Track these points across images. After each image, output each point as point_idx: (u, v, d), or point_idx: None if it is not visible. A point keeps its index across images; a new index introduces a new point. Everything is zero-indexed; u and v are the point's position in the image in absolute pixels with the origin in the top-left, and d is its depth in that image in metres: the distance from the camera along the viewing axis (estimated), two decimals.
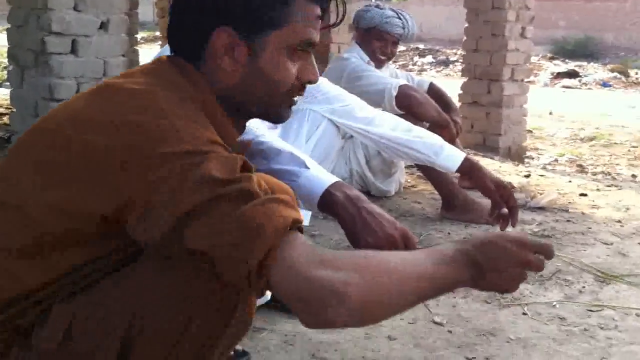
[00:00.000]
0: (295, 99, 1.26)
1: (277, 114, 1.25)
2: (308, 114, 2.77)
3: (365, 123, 2.66)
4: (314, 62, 1.24)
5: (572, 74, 15.27)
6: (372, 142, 2.71)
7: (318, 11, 1.20)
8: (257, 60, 1.17)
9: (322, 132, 2.83)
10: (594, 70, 16.15)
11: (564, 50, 19.67)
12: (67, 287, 1.09)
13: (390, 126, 2.62)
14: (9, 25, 3.76)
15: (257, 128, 1.81)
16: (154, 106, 1.04)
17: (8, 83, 4.34)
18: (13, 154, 1.14)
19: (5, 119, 5.88)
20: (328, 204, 1.43)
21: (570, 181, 4.30)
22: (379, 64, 3.72)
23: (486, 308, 2.20)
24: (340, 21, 1.27)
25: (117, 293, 1.07)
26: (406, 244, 1.32)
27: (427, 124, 3.44)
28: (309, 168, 1.56)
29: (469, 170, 2.35)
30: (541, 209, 3.45)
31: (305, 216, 2.47)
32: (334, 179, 1.49)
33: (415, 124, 2.96)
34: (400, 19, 3.62)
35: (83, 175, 1.02)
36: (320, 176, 1.51)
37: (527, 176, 4.39)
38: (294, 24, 1.17)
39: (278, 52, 1.18)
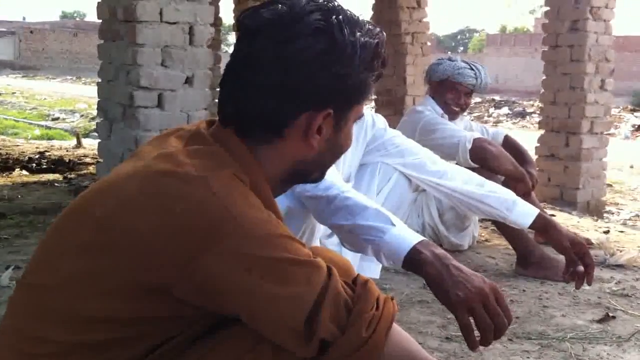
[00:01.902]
0: None
1: (321, 177, 1.30)
2: (380, 167, 2.81)
3: (438, 176, 2.67)
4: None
5: None
6: (444, 195, 2.72)
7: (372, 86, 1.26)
8: (339, 134, 1.22)
9: (394, 184, 2.86)
10: None
11: None
12: None
13: (463, 180, 2.63)
14: (99, 79, 3.98)
15: (340, 184, 1.86)
16: (217, 207, 1.04)
17: (96, 134, 4.56)
18: (57, 235, 1.14)
19: (92, 169, 6.16)
20: (414, 261, 1.44)
21: None
22: (453, 116, 3.73)
23: None
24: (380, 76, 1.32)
25: None
26: (496, 298, 1.31)
27: (503, 178, 3.42)
28: (394, 225, 1.58)
29: (542, 226, 2.32)
30: (620, 266, 3.36)
31: (376, 270, 2.50)
32: (420, 237, 1.50)
33: (490, 177, 2.95)
34: (472, 69, 3.64)
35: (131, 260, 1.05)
36: (407, 234, 1.53)
37: (606, 232, 4.28)
38: (362, 99, 1.23)
39: (351, 124, 1.24)
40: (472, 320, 1.30)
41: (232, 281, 1.04)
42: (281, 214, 1.24)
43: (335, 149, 1.24)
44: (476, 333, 1.30)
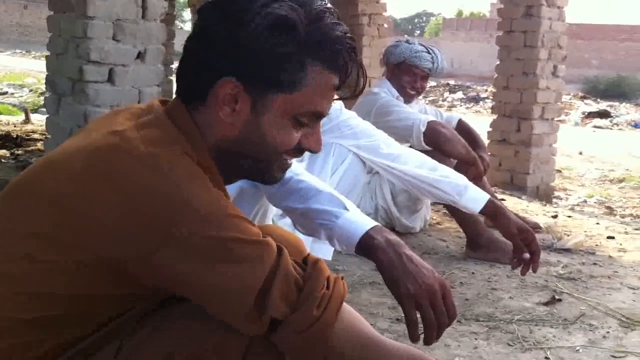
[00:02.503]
0: (290, 161, 1.24)
1: (269, 175, 1.23)
2: (334, 147, 2.80)
3: (391, 160, 2.68)
4: (320, 132, 1.22)
5: (603, 114, 15.20)
6: (397, 179, 2.73)
7: (335, 81, 1.16)
8: (258, 118, 1.15)
9: (348, 166, 2.86)
10: (626, 111, 16.04)
11: (596, 90, 19.59)
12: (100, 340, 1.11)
13: (416, 164, 2.64)
14: (48, 53, 3.87)
15: (294, 166, 1.84)
16: (163, 182, 1.02)
17: (44, 109, 4.45)
18: (4, 214, 1.10)
19: (40, 145, 6.02)
20: (367, 247, 1.43)
21: (598, 223, 4.27)
22: (409, 99, 3.74)
23: (508, 351, 2.19)
24: (359, 93, 1.22)
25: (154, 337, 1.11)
26: (444, 294, 1.31)
27: (455, 161, 3.45)
28: (348, 210, 1.56)
29: (492, 212, 2.35)
30: (567, 250, 3.43)
31: (328, 251, 2.49)
32: (373, 222, 1.49)
33: (443, 160, 2.97)
34: (429, 53, 3.65)
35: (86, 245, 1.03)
36: (360, 219, 1.51)
37: (555, 217, 4.37)
38: (305, 91, 1.14)
39: (282, 116, 1.15)
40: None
41: (182, 263, 1.03)
42: (231, 193, 1.22)
43: (260, 137, 1.15)
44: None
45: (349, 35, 1.17)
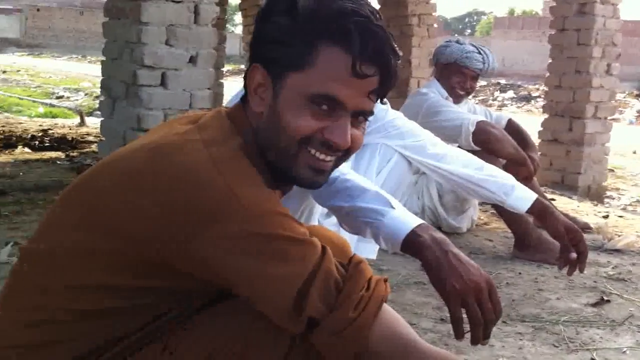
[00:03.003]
0: (322, 158, 1.18)
1: (296, 172, 1.18)
2: (380, 147, 2.82)
3: (437, 159, 2.68)
4: (347, 125, 1.16)
5: None
6: (443, 178, 2.73)
7: (348, 62, 1.11)
8: (277, 101, 1.15)
9: (393, 166, 2.87)
10: None
11: None
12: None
13: (462, 163, 2.64)
14: (103, 57, 3.99)
15: (341, 166, 1.87)
16: (214, 181, 1.06)
17: (99, 112, 4.57)
18: (61, 208, 1.18)
19: (94, 147, 6.18)
20: (413, 245, 1.43)
21: None
22: (458, 99, 3.73)
23: (553, 352, 2.18)
24: (388, 88, 1.18)
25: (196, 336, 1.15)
26: (490, 292, 1.31)
27: (504, 161, 3.43)
28: (394, 208, 1.57)
29: (539, 211, 2.34)
30: (618, 251, 3.38)
31: (373, 250, 2.52)
32: (419, 220, 1.50)
33: (492, 161, 2.96)
34: (480, 53, 3.63)
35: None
36: (406, 217, 1.52)
37: (606, 217, 4.30)
38: (316, 70, 1.12)
39: (297, 97, 1.13)
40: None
41: (229, 257, 1.06)
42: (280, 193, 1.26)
43: (275, 121, 1.15)
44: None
45: (364, 12, 1.13)
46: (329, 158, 1.18)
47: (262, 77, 1.17)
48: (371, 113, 1.20)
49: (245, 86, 1.22)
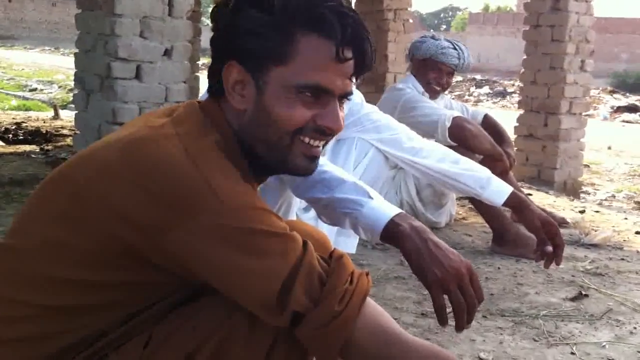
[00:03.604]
0: (316, 144, 1.19)
1: (292, 163, 1.18)
2: (356, 141, 2.80)
3: (412, 154, 2.68)
4: (337, 110, 1.17)
5: (632, 109, 14.98)
6: (419, 172, 2.72)
7: (332, 50, 1.12)
8: (263, 96, 1.14)
9: (370, 160, 2.86)
10: None
11: (624, 84, 19.30)
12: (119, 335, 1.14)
13: (437, 157, 2.63)
14: (77, 50, 3.92)
15: None
16: (188, 171, 1.05)
17: (73, 105, 4.50)
18: (36, 202, 1.16)
19: (69, 140, 6.11)
20: (392, 234, 1.44)
21: (626, 218, 4.22)
22: (434, 95, 3.73)
23: (533, 346, 2.18)
24: (366, 69, 1.17)
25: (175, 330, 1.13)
26: (471, 278, 1.31)
27: (480, 156, 3.44)
28: (372, 198, 1.57)
29: (516, 205, 2.34)
30: (595, 246, 3.40)
31: (352, 244, 2.50)
32: (397, 210, 1.50)
33: (468, 156, 2.96)
34: (455, 49, 3.63)
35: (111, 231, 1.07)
36: (384, 207, 1.52)
37: (582, 212, 4.33)
38: (300, 60, 1.12)
39: (283, 90, 1.13)
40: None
41: (207, 252, 1.05)
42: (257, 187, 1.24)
43: (266, 115, 1.14)
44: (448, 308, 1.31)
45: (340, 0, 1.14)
46: (320, 143, 1.20)
47: (239, 74, 1.15)
48: (352, 93, 1.21)
49: (212, 82, 1.20)
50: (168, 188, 1.03)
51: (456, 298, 1.28)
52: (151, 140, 1.08)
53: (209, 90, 1.22)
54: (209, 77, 1.21)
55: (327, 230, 1.95)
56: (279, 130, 1.15)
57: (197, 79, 5.64)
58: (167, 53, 3.69)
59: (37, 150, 5.77)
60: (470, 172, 2.54)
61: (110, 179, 1.06)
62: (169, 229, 1.03)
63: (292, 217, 2.11)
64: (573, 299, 2.62)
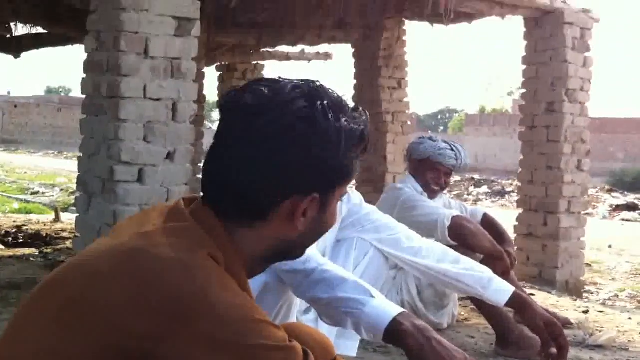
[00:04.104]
0: None
1: (297, 255, 1.26)
2: (356, 242, 2.81)
3: (412, 254, 2.67)
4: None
5: (631, 207, 15.04)
6: (419, 273, 2.71)
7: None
8: (325, 214, 1.19)
9: (370, 260, 2.85)
10: None
11: (622, 183, 19.48)
12: None
13: (437, 257, 2.62)
14: (80, 154, 3.99)
15: (318, 257, 1.85)
16: (194, 286, 1.02)
17: (74, 208, 4.53)
18: (27, 312, 1.11)
19: (69, 243, 6.10)
20: (395, 333, 1.43)
21: (630, 318, 4.17)
22: (432, 195, 3.76)
23: None
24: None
25: None
26: None
27: (481, 256, 3.43)
28: (374, 297, 1.57)
29: (518, 305, 2.32)
30: (600, 347, 3.34)
31: (353, 347, 2.46)
32: (400, 309, 1.50)
33: (468, 255, 2.96)
34: (453, 150, 3.69)
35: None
36: (387, 306, 1.52)
37: (586, 312, 4.28)
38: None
39: (337, 203, 1.22)
40: None
41: None
42: (255, 292, 1.23)
43: (319, 228, 1.21)
44: None
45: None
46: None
47: (310, 203, 1.15)
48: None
49: (245, 206, 1.15)
50: (164, 298, 1.01)
51: None
52: (144, 251, 1.06)
53: (209, 200, 1.17)
54: (230, 196, 1.15)
55: (327, 332, 1.93)
56: (319, 237, 1.23)
57: (199, 180, 5.70)
58: (170, 156, 3.75)
59: (37, 253, 5.76)
60: (471, 271, 2.53)
61: (104, 290, 1.04)
62: (166, 339, 1.00)
63: (293, 319, 2.09)
64: None
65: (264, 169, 1.12)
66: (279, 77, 1.18)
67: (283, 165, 1.11)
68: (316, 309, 1.80)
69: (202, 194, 1.19)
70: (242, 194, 1.13)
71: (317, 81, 1.18)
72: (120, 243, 1.10)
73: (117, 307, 1.02)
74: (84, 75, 3.90)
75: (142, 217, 1.20)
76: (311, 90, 1.14)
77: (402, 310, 1.49)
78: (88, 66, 3.86)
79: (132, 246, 1.08)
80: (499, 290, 2.42)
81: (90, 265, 1.10)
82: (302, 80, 1.17)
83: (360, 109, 1.20)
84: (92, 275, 1.07)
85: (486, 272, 2.52)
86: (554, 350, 1.89)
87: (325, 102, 1.13)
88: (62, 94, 71.56)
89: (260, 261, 1.20)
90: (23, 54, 8.59)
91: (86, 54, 3.88)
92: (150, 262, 1.04)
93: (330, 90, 1.17)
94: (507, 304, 2.39)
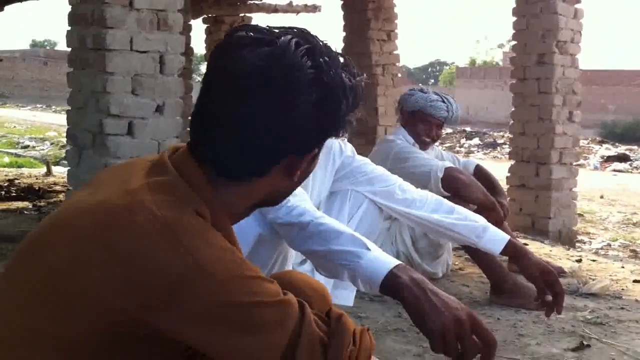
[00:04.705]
0: None
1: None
2: (350, 194, 2.79)
3: (406, 205, 2.66)
4: None
5: (622, 158, 15.11)
6: (414, 224, 2.71)
7: None
8: (310, 166, 1.20)
9: (364, 212, 2.84)
10: None
11: (613, 134, 19.54)
12: None
13: (431, 208, 2.61)
14: (69, 107, 3.93)
15: (313, 210, 1.84)
16: (179, 243, 1.00)
17: (66, 162, 4.50)
18: (8, 284, 1.07)
19: (62, 196, 6.08)
20: (391, 285, 1.42)
21: (623, 267, 4.19)
22: (424, 146, 3.75)
23: None
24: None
25: None
26: (472, 327, 1.28)
27: (474, 207, 3.42)
28: (370, 250, 1.56)
29: (513, 253, 2.31)
30: (593, 295, 3.36)
31: (350, 297, 2.46)
32: (396, 261, 1.49)
33: (463, 206, 2.95)
34: (444, 102, 3.66)
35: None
36: (383, 258, 1.51)
37: (579, 261, 4.30)
38: None
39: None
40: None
41: (201, 330, 1.01)
42: (250, 244, 1.22)
43: (307, 176, 1.23)
44: None
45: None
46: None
47: (293, 162, 1.15)
48: None
49: (243, 164, 1.12)
50: (151, 268, 0.98)
51: (453, 350, 1.27)
52: (127, 212, 1.01)
53: (200, 158, 1.13)
54: (224, 154, 1.11)
55: (323, 282, 1.92)
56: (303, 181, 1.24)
57: (188, 134, 5.66)
58: (159, 109, 3.70)
59: (30, 206, 5.75)
60: (466, 221, 2.52)
61: (88, 259, 1.00)
62: (158, 310, 0.98)
63: (289, 269, 2.08)
64: (575, 350, 2.57)
65: (271, 132, 1.09)
66: (268, 27, 1.13)
67: (291, 127, 1.09)
68: (312, 261, 1.79)
69: (190, 146, 1.15)
70: (243, 158, 1.11)
71: (307, 30, 1.15)
72: (103, 200, 1.05)
73: (105, 286, 0.98)
74: (69, 28, 3.81)
75: (124, 169, 1.15)
76: (310, 44, 1.11)
77: (398, 262, 1.48)
78: (73, 19, 3.77)
79: (116, 204, 1.03)
80: (494, 239, 2.42)
81: (73, 227, 1.04)
82: (295, 30, 1.13)
83: (350, 61, 1.17)
84: (75, 241, 1.02)
85: (480, 221, 2.51)
86: (549, 297, 1.90)
87: (326, 57, 1.11)
88: (48, 47, 70.49)
89: (245, 210, 1.19)
90: (6, 7, 8.43)
91: (70, 6, 3.79)
92: (136, 228, 1.00)
93: (323, 42, 1.15)
94: (502, 252, 2.39)
